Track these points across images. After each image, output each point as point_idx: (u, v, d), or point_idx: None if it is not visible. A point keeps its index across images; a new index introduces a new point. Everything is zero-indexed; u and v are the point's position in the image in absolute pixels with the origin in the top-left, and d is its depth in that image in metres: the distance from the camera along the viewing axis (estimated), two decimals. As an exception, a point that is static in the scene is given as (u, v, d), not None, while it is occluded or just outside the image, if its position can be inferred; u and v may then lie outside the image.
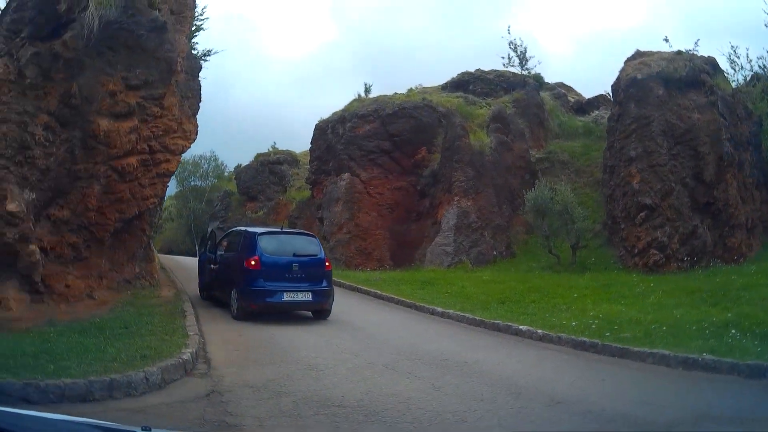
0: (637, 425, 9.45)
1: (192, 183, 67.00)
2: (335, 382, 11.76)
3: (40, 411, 5.06)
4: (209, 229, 50.01)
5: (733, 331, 14.30)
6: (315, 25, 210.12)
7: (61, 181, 18.14)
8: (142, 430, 4.46)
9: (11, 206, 16.37)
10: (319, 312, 19.53)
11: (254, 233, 19.98)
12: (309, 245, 20.25)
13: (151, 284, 22.40)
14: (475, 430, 9.33)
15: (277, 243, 19.93)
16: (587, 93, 45.86)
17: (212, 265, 21.45)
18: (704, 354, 12.88)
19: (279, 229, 22.94)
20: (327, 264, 19.95)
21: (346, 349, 15.06)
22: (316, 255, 19.80)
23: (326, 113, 38.93)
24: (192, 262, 35.75)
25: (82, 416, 4.91)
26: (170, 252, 52.03)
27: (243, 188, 52.69)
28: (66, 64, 17.47)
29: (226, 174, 67.10)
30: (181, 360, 12.40)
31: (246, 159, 56.56)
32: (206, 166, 68.13)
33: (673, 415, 9.91)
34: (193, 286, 24.05)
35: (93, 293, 19.38)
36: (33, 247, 17.00)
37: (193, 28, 23.71)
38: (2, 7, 18.91)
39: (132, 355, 12.30)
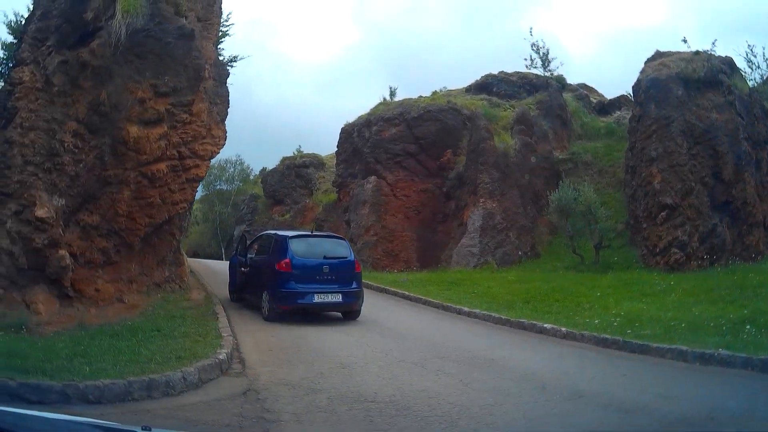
0: (654, 416, 9.66)
1: (218, 187, 66.79)
2: (367, 379, 11.98)
3: (41, 411, 5.06)
4: (235, 233, 50.00)
5: (749, 327, 14.51)
6: (337, 28, 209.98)
7: (90, 187, 18.08)
8: (142, 430, 4.47)
9: (40, 212, 16.38)
10: (349, 313, 19.52)
11: (285, 236, 19.99)
12: (339, 248, 20.26)
13: (181, 287, 22.28)
14: (502, 423, 9.51)
15: (307, 246, 19.94)
16: (607, 93, 45.57)
17: (243, 268, 21.39)
18: (720, 349, 13.08)
19: (309, 233, 23.06)
20: (357, 266, 19.95)
21: (377, 347, 15.20)
22: (346, 257, 19.81)
23: (349, 116, 38.90)
24: (219, 266, 36.22)
25: (124, 416, 4.90)
26: (196, 255, 51.91)
27: (269, 192, 52.22)
28: (94, 72, 17.44)
29: (251, 177, 66.51)
30: (217, 360, 12.52)
31: (270, 162, 56.25)
32: (232, 169, 68.04)
33: (687, 407, 10.17)
34: (221, 289, 23.98)
35: (123, 297, 19.32)
36: (62, 252, 16.94)
37: (219, 35, 23.53)
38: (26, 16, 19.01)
39: (167, 356, 12.41)
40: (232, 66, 25.16)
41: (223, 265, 34.41)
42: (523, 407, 10.23)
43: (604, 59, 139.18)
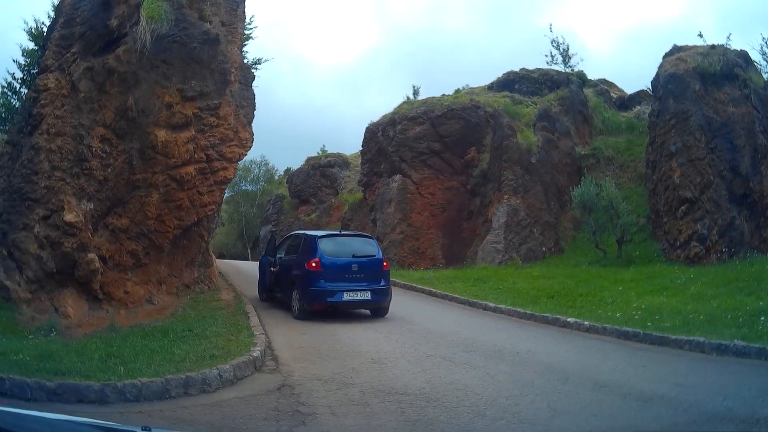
0: (671, 405, 9.77)
1: (243, 187, 66.65)
2: (397, 373, 12.01)
3: (41, 411, 4.95)
4: (261, 234, 49.73)
5: (763, 318, 14.54)
6: (356, 29, 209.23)
7: (119, 191, 17.96)
8: (142, 430, 4.36)
9: (69, 217, 16.29)
10: (378, 310, 19.38)
11: (314, 236, 19.82)
12: (367, 246, 20.16)
13: (210, 288, 22.11)
14: (527, 412, 9.54)
15: (336, 245, 19.85)
16: (625, 87, 45.13)
17: (272, 268, 21.16)
18: (735, 340, 13.18)
19: (338, 232, 22.92)
20: (385, 264, 19.79)
21: (405, 343, 15.14)
22: (374, 255, 19.66)
23: (371, 116, 38.67)
24: (245, 266, 36.30)
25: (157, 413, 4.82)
26: (222, 256, 51.31)
27: (294, 192, 52.04)
28: (120, 78, 17.29)
29: (276, 178, 66.74)
30: (251, 357, 12.48)
31: (293, 162, 56.12)
32: (257, 170, 68.04)
33: (703, 395, 10.23)
34: (250, 289, 23.75)
35: (153, 299, 19.23)
36: (92, 255, 16.84)
37: (243, 38, 23.36)
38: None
39: (200, 355, 12.41)
40: (256, 69, 25.02)
41: (249, 266, 34.29)
42: (548, 398, 10.27)
43: (620, 54, 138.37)
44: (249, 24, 24.73)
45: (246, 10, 22.78)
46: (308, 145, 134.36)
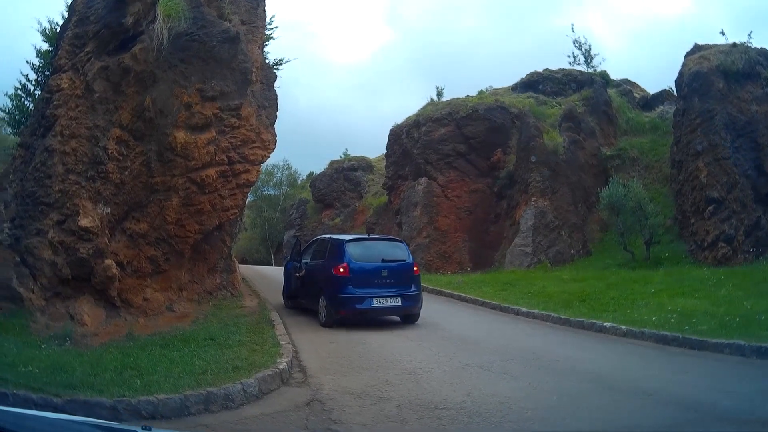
0: (721, 413, 9.28)
1: (265, 192, 64.79)
2: (434, 385, 11.15)
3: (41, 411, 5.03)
4: (285, 238, 48.87)
5: None
6: (369, 30, 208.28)
7: (137, 194, 17.19)
8: (142, 429, 4.24)
9: (84, 221, 15.65)
10: (408, 316, 18.36)
11: (342, 240, 18.90)
12: (397, 250, 19.08)
13: (233, 295, 21.18)
14: (574, 425, 9.03)
15: (364, 249, 18.88)
16: (645, 86, 44.53)
17: (298, 273, 20.27)
18: None
19: (366, 236, 22.00)
20: (415, 268, 18.79)
21: (439, 351, 14.19)
22: (404, 260, 18.65)
23: (389, 117, 38.04)
24: (269, 271, 35.51)
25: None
26: (244, 261, 50.50)
27: (318, 196, 50.80)
28: (137, 78, 16.58)
29: (299, 182, 64.92)
30: (277, 369, 11.56)
31: (313, 166, 55.18)
32: (279, 174, 66.35)
33: (751, 401, 9.78)
34: (274, 296, 22.89)
35: (173, 306, 18.42)
36: (108, 261, 16.15)
37: (264, 38, 22.41)
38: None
39: (223, 366, 11.55)
40: (278, 69, 24.00)
41: (273, 271, 33.54)
42: (592, 408, 9.70)
43: (634, 52, 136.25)
44: (269, 24, 23.69)
45: (266, 9, 21.88)
46: (327, 149, 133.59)
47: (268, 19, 22.76)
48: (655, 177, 32.56)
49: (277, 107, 21.67)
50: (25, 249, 15.74)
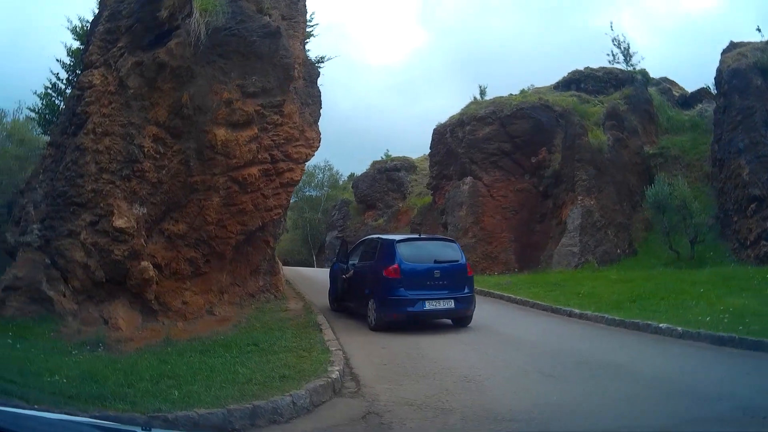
0: None
1: (307, 193, 63.21)
2: (497, 394, 10.13)
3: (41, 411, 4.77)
4: (327, 239, 47.76)
5: None
6: (404, 31, 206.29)
7: (175, 194, 16.07)
8: (143, 430, 4.00)
9: (119, 222, 14.65)
10: (460, 319, 17.04)
11: (392, 240, 17.55)
12: (449, 250, 17.64)
13: (276, 297, 19.90)
14: None
15: (416, 250, 17.46)
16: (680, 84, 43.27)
17: (344, 275, 18.89)
18: None
19: (417, 235, 20.51)
20: (469, 269, 17.40)
21: (496, 356, 13.17)
22: (458, 260, 17.21)
23: (427, 117, 36.83)
24: (312, 273, 34.51)
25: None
26: (286, 263, 49.25)
27: (360, 197, 48.96)
28: (173, 73, 15.52)
29: (340, 183, 63.66)
30: (329, 379, 10.32)
31: (354, 167, 54.11)
32: (321, 175, 64.98)
33: None
34: (319, 298, 21.53)
35: (213, 309, 17.23)
36: (145, 263, 15.12)
37: (305, 33, 21.25)
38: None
39: (268, 375, 10.44)
40: (320, 66, 22.69)
41: (315, 272, 32.71)
42: (663, 415, 8.80)
43: (665, 51, 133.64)
44: (310, 21, 22.44)
45: (306, 4, 20.72)
46: (365, 150, 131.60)
47: (308, 16, 21.62)
48: (696, 175, 31.38)
49: (320, 104, 20.46)
50: (56, 251, 14.83)
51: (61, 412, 5.52)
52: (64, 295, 14.66)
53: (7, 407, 4.28)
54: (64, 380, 9.48)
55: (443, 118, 36.76)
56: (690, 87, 41.06)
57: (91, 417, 4.69)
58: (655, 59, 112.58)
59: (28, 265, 15.00)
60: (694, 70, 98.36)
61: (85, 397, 8.64)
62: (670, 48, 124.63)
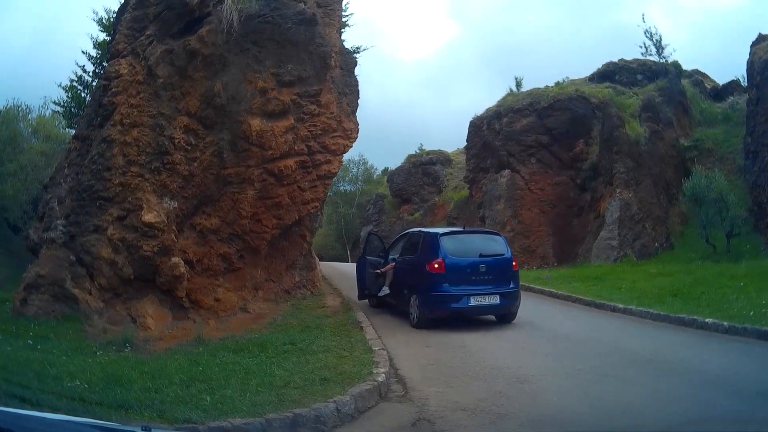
0: None
1: (341, 187, 61.13)
2: (553, 396, 9.21)
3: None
4: (362, 234, 46.62)
5: None
6: (435, 25, 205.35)
7: (207, 187, 14.94)
8: (142, 430, 3.82)
9: (148, 217, 13.56)
10: (504, 316, 15.81)
11: (436, 234, 16.26)
12: (494, 244, 16.46)
13: (313, 294, 18.75)
14: None
15: (460, 243, 16.16)
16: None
17: (377, 270, 17.70)
18: None
19: (461, 228, 19.06)
20: (514, 264, 16.20)
21: (546, 354, 12.17)
22: (503, 254, 16.00)
23: (459, 110, 35.55)
24: (347, 268, 33.34)
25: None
26: (320, 258, 48.35)
27: (395, 191, 47.57)
28: (205, 62, 14.42)
29: (374, 177, 62.04)
30: (375, 382, 9.27)
31: (387, 161, 52.84)
32: (355, 170, 62.93)
33: None
34: (356, 294, 19.97)
35: (247, 306, 16.07)
36: (176, 259, 14.09)
37: (341, 22, 20.19)
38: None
39: (308, 377, 9.46)
40: (357, 55, 21.44)
41: (350, 268, 31.61)
42: (728, 418, 8.06)
43: (692, 44, 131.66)
44: (344, 10, 21.23)
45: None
46: (397, 144, 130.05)
47: (343, 4, 20.40)
48: (729, 168, 30.02)
49: (358, 94, 19.13)
50: (81, 247, 13.77)
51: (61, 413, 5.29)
52: (90, 293, 13.66)
53: (6, 407, 4.11)
54: (86, 385, 8.54)
55: (476, 111, 35.67)
56: (717, 80, 40.03)
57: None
58: (680, 53, 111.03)
59: (51, 263, 13.97)
60: (719, 63, 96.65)
61: (108, 403, 7.72)
62: (699, 42, 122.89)
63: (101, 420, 4.35)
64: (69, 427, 3.84)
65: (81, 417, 4.36)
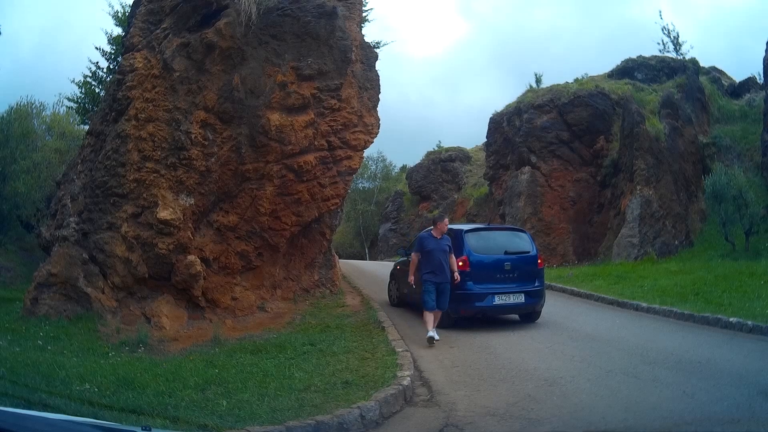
0: None
1: (360, 185, 59.65)
2: (585, 399, 8.77)
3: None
4: (381, 232, 46.08)
5: None
6: (445, 23, 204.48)
7: (225, 183, 14.28)
8: (143, 430, 3.68)
9: (164, 214, 12.98)
10: (529, 315, 15.29)
11: (460, 230, 15.46)
12: (520, 241, 15.79)
13: (332, 293, 18.08)
14: None
15: (485, 240, 15.50)
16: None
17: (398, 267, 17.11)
18: None
19: (486, 225, 18.50)
20: (539, 261, 15.50)
21: (573, 355, 11.64)
22: (528, 252, 15.34)
23: (472, 107, 34.86)
24: (366, 266, 32.89)
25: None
26: (338, 256, 48.02)
27: (415, 188, 46.61)
28: (223, 55, 13.78)
29: (393, 174, 61.67)
30: (400, 386, 8.76)
31: (405, 158, 52.09)
32: (374, 167, 62.03)
33: None
34: (378, 292, 19.71)
35: (265, 306, 15.42)
36: (192, 257, 13.49)
37: (362, 15, 19.58)
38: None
39: (329, 381, 9.05)
40: (378, 49, 20.72)
41: (369, 265, 31.52)
42: (762, 418, 7.76)
43: (703, 42, 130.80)
44: (364, 5, 20.59)
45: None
46: (412, 142, 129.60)
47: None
48: (747, 166, 29.43)
49: (379, 89, 18.24)
50: (95, 245, 13.24)
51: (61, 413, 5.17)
52: (103, 292, 13.12)
53: (6, 407, 4.03)
54: (96, 388, 8.12)
55: (487, 108, 35.50)
56: (747, 77, 38.72)
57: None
58: (692, 51, 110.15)
59: (63, 261, 13.42)
60: (727, 61, 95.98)
61: (119, 408, 7.20)
62: (704, 39, 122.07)
63: (101, 420, 4.21)
64: (69, 427, 3.72)
65: (80, 417, 4.26)
